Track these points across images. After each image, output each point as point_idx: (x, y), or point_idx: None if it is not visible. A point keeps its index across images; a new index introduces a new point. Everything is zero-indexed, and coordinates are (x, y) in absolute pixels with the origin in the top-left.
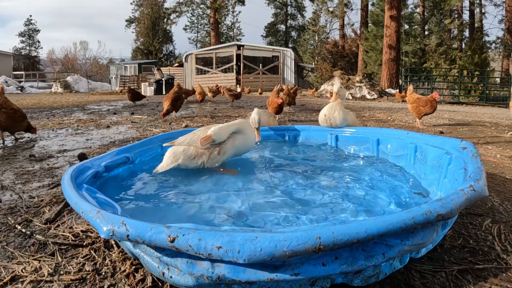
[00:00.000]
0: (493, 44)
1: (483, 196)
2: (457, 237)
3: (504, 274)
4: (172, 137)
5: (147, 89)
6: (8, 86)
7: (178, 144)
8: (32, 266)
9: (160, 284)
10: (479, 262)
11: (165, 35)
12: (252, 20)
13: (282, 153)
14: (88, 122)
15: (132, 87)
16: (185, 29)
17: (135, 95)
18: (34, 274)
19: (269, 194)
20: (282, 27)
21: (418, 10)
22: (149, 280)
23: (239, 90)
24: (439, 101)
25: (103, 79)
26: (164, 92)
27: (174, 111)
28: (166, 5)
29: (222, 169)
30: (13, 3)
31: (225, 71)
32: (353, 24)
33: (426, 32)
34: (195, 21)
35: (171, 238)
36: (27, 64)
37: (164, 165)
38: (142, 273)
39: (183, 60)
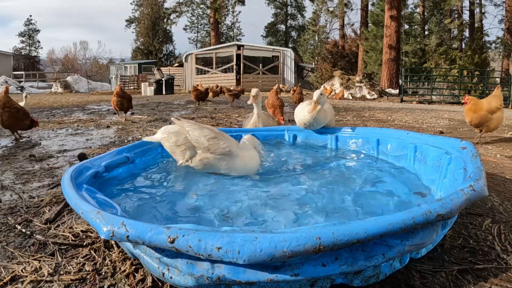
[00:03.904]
0: (493, 44)
1: (483, 196)
2: (457, 237)
3: (504, 274)
4: None
5: (147, 89)
6: (8, 86)
7: (181, 124)
8: (32, 266)
9: (160, 284)
10: (479, 262)
11: (165, 35)
12: (252, 20)
13: (282, 153)
14: (88, 122)
15: (196, 86)
16: (185, 29)
17: (201, 94)
18: (34, 274)
19: (269, 194)
20: (282, 27)
21: (418, 10)
22: (149, 280)
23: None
24: (439, 101)
25: (103, 79)
26: (164, 92)
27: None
28: (166, 5)
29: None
30: (13, 3)
31: (225, 71)
32: (353, 24)
33: (426, 32)
34: (195, 21)
35: (171, 239)
36: (27, 64)
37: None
38: (142, 273)
39: (183, 60)
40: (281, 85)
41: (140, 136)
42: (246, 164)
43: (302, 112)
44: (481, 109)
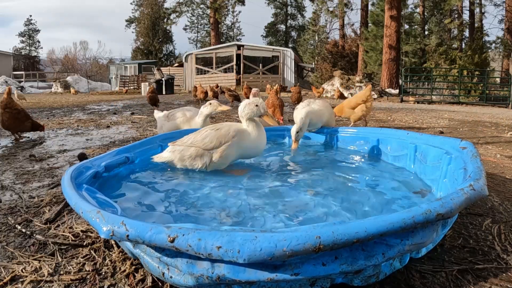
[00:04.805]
0: (493, 44)
1: (483, 196)
2: (457, 237)
3: (504, 274)
4: (172, 137)
5: (147, 89)
6: (11, 87)
7: (181, 144)
8: (32, 266)
9: (160, 284)
10: (479, 262)
11: (165, 35)
12: (252, 20)
13: (282, 153)
14: (88, 122)
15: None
16: (185, 29)
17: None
18: (34, 274)
19: (270, 194)
20: (282, 27)
21: (418, 10)
22: (149, 280)
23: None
24: (439, 101)
25: (103, 79)
26: (164, 92)
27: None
28: (166, 5)
29: (231, 170)
30: (14, 3)
31: (225, 71)
32: (353, 24)
33: (426, 32)
34: (195, 21)
35: (171, 238)
36: (27, 64)
37: (161, 156)
38: (142, 273)
39: (183, 60)
40: (268, 85)
41: (140, 136)
42: (258, 135)
43: (299, 114)
44: (344, 106)
